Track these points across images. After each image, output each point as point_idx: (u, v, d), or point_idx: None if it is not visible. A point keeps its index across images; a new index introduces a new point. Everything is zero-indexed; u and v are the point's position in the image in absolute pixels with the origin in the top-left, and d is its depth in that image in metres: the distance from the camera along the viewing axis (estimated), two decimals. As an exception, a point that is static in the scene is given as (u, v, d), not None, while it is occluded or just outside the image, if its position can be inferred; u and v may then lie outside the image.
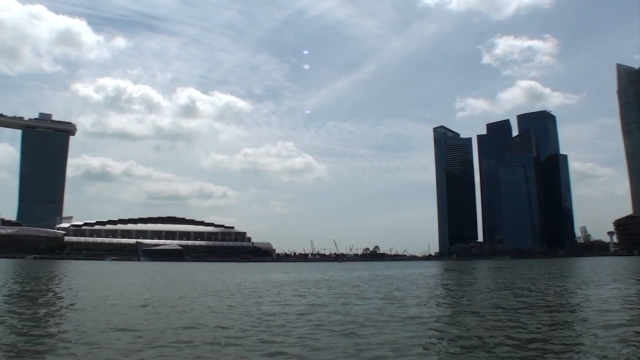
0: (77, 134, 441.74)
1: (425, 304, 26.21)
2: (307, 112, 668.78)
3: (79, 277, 58.74)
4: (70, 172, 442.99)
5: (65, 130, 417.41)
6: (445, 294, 31.63)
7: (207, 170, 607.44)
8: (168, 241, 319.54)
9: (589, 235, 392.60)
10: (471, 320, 19.69)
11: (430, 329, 17.72)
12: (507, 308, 23.50)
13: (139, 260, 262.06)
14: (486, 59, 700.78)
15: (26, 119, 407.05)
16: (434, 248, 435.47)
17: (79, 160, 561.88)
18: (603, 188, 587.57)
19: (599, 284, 40.34)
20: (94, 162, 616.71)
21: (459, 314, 22.37)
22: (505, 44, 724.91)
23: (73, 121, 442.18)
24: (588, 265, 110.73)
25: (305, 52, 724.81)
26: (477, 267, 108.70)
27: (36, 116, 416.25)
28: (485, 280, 54.77)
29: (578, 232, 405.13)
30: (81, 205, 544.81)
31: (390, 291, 35.71)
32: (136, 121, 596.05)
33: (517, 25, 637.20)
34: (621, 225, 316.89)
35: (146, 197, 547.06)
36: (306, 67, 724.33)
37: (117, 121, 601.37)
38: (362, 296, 31.80)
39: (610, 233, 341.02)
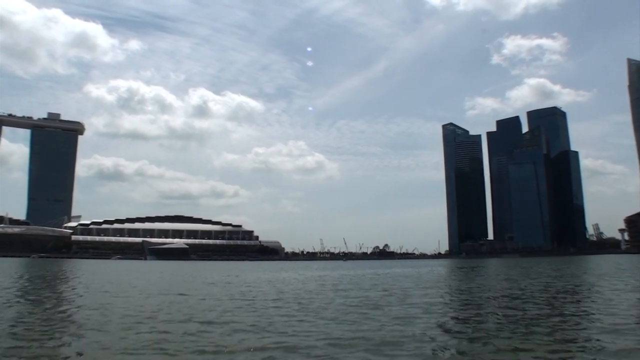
0: (89, 134, 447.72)
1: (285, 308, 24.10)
2: (310, 108, 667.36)
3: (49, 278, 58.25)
4: (82, 171, 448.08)
5: (74, 130, 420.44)
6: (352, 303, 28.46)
7: (219, 169, 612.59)
8: (175, 240, 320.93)
9: (601, 233, 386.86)
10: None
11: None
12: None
13: (145, 259, 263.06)
14: (495, 58, 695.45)
15: (35, 118, 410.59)
16: (444, 246, 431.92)
17: (91, 160, 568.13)
18: (615, 185, 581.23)
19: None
20: (107, 162, 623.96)
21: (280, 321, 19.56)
22: (514, 44, 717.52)
23: (85, 122, 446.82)
24: (586, 264, 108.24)
25: (309, 49, 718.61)
26: (478, 266, 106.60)
27: (45, 116, 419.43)
28: (447, 281, 53.20)
29: (590, 230, 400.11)
30: (93, 205, 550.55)
31: (300, 294, 33.10)
32: (149, 121, 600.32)
33: (526, 24, 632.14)
34: (632, 222, 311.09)
35: (158, 196, 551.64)
36: (310, 64, 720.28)
37: (129, 121, 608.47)
38: (247, 297, 30.41)
39: (621, 230, 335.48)
